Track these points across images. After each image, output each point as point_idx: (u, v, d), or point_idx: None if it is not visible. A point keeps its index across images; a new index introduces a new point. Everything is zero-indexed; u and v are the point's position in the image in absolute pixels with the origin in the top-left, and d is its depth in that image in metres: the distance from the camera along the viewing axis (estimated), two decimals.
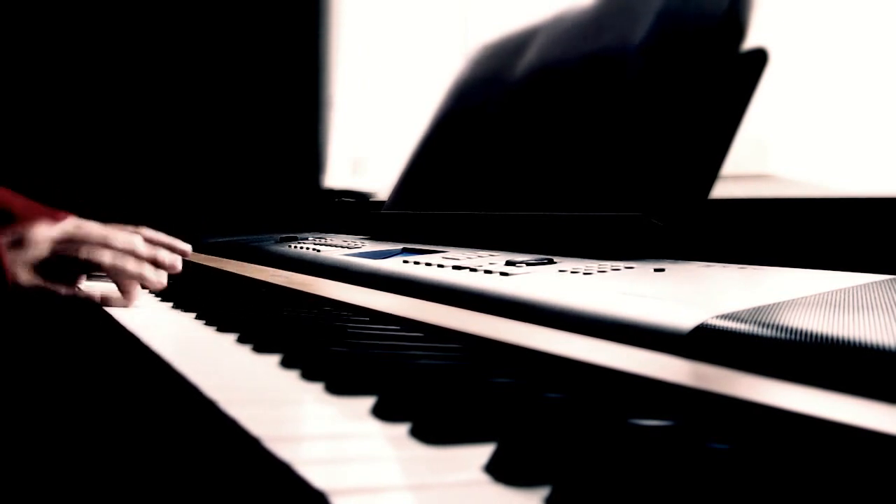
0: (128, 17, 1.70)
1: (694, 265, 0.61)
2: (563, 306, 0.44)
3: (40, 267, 0.64)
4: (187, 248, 0.73)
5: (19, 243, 0.64)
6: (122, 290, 0.67)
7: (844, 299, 0.41)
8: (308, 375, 0.39)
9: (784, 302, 0.40)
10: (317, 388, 0.37)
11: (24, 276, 0.63)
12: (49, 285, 0.63)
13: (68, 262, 0.65)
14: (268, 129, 1.84)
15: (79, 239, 0.66)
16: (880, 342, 0.30)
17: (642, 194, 0.69)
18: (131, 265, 0.66)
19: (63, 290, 0.64)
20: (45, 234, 0.66)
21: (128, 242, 0.68)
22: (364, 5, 1.78)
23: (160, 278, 0.68)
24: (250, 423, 0.29)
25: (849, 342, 0.30)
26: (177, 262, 0.69)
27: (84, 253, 0.65)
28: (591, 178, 0.74)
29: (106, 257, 0.65)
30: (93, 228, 0.67)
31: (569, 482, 0.22)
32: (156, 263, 0.68)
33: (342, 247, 0.89)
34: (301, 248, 0.92)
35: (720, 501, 0.21)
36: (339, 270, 0.73)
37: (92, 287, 0.71)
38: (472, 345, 0.46)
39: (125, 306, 0.67)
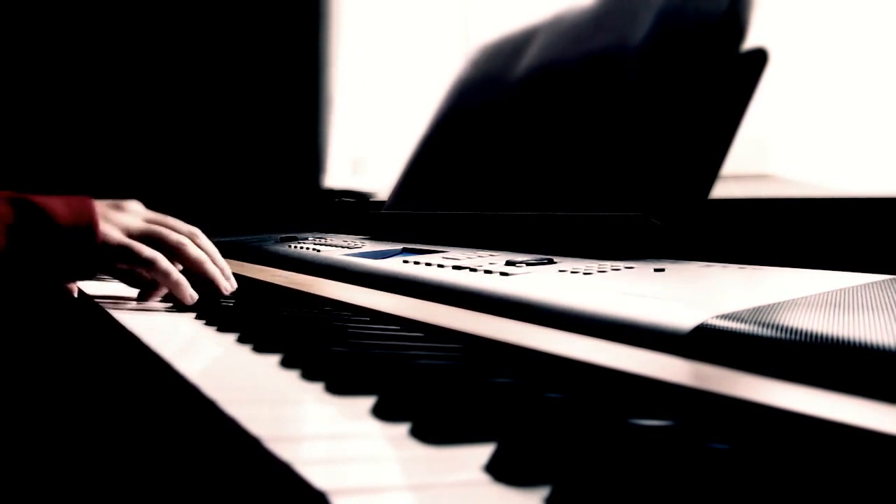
0: (128, 16, 1.70)
1: (694, 265, 0.61)
2: (563, 306, 0.44)
3: (129, 232, 0.66)
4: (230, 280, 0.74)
5: (115, 207, 0.67)
6: (185, 287, 0.67)
7: (844, 299, 0.41)
8: (308, 375, 0.39)
9: (784, 302, 0.40)
10: (317, 388, 0.37)
11: (114, 234, 0.64)
12: (135, 245, 0.65)
13: (156, 240, 0.66)
14: (268, 129, 1.84)
15: (169, 224, 0.69)
16: (880, 342, 0.30)
17: (642, 194, 0.69)
18: (210, 265, 0.69)
19: (146, 252, 0.65)
20: (138, 209, 0.69)
21: (209, 244, 0.71)
22: (364, 5, 1.78)
23: (231, 283, 0.70)
24: (250, 423, 0.29)
25: (849, 342, 0.30)
26: (235, 284, 0.71)
27: (174, 238, 0.67)
28: (591, 178, 0.74)
29: (192, 249, 0.68)
30: (182, 224, 0.70)
31: (569, 482, 0.22)
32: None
33: (342, 247, 0.89)
34: (301, 248, 0.92)
35: (720, 501, 0.21)
36: (339, 270, 0.73)
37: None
38: (472, 345, 0.46)
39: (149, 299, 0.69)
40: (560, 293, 0.47)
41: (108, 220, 0.65)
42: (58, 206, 0.63)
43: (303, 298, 0.70)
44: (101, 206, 0.66)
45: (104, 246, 0.64)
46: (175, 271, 0.66)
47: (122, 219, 0.66)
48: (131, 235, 0.66)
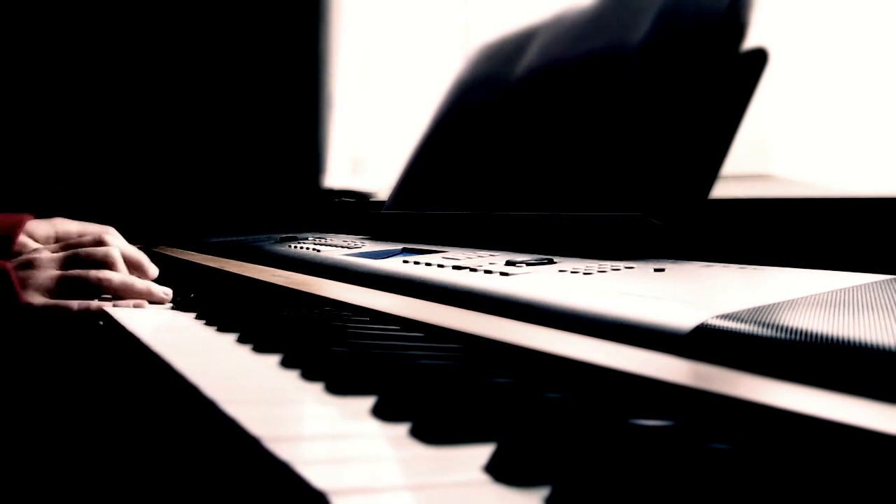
0: (128, 17, 1.70)
1: (694, 265, 0.61)
2: (564, 306, 0.44)
3: (49, 287, 0.66)
4: (154, 271, 0.75)
5: (28, 266, 0.66)
6: (140, 295, 0.69)
7: (844, 299, 0.41)
8: (308, 375, 0.39)
9: (784, 302, 0.40)
10: (317, 388, 0.37)
11: (37, 299, 0.64)
12: (61, 303, 0.65)
13: (78, 283, 0.66)
14: (268, 129, 1.84)
15: (83, 258, 0.68)
16: (880, 342, 0.30)
17: (642, 194, 0.69)
18: (139, 284, 0.69)
19: (75, 307, 0.64)
20: (50, 256, 0.68)
21: (120, 243, 0.71)
22: (364, 5, 1.78)
23: (166, 292, 0.70)
24: (250, 423, 0.29)
25: (849, 342, 0.30)
26: (169, 292, 0.71)
27: (93, 275, 0.66)
28: (591, 177, 0.74)
29: (115, 278, 0.67)
30: (95, 250, 0.69)
31: (569, 482, 0.22)
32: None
33: (342, 247, 0.89)
34: (301, 248, 0.92)
35: (720, 501, 0.21)
36: (339, 270, 0.73)
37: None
38: (472, 345, 0.46)
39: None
40: (560, 293, 0.47)
41: (24, 283, 0.65)
42: None
43: (303, 298, 0.70)
44: (13, 271, 0.65)
45: (30, 311, 0.63)
46: (109, 306, 0.66)
47: (37, 277, 0.65)
48: (52, 290, 0.65)
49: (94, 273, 0.66)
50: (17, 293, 0.63)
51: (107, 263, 0.68)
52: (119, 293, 0.68)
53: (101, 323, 0.64)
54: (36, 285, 0.65)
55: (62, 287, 0.66)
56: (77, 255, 0.68)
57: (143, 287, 0.68)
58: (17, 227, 0.66)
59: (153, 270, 0.74)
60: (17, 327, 0.64)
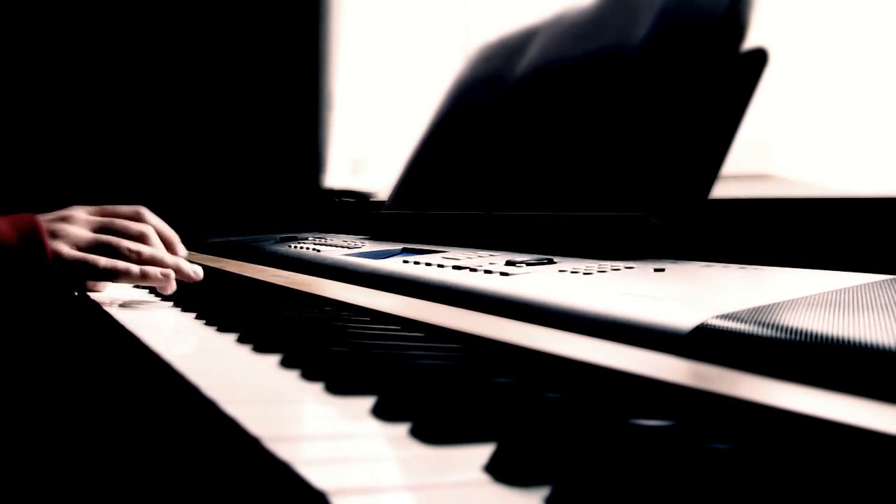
0: (128, 17, 1.70)
1: (694, 265, 0.61)
2: (564, 306, 0.44)
3: (80, 245, 0.65)
4: (184, 250, 0.74)
5: (61, 219, 0.66)
6: (156, 278, 0.68)
7: (844, 299, 0.41)
8: (308, 375, 0.39)
9: (784, 302, 0.40)
10: (317, 388, 0.37)
11: (65, 249, 0.64)
12: (89, 258, 0.64)
13: (109, 250, 0.66)
14: (268, 129, 1.84)
15: (118, 228, 0.68)
16: (880, 342, 0.30)
17: (642, 194, 0.69)
18: (168, 258, 0.68)
19: (102, 263, 0.64)
20: (86, 217, 0.68)
21: (155, 220, 0.71)
22: (364, 5, 1.78)
23: (196, 270, 0.70)
24: (250, 423, 0.29)
25: (849, 342, 0.30)
26: (199, 270, 0.71)
27: (125, 245, 0.66)
28: (592, 177, 0.74)
29: (145, 251, 0.67)
30: (131, 224, 0.69)
31: (569, 482, 0.22)
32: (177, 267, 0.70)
33: (342, 247, 0.89)
34: (301, 248, 0.92)
35: (720, 501, 0.21)
36: (339, 270, 0.73)
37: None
38: (472, 345, 0.46)
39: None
40: (560, 293, 0.47)
41: (56, 235, 0.65)
42: (2, 226, 0.63)
43: (303, 298, 0.70)
44: (46, 222, 0.65)
45: (57, 262, 0.63)
46: (137, 269, 0.65)
47: (70, 231, 0.66)
48: (82, 248, 0.65)
49: (125, 243, 0.66)
50: (45, 244, 0.62)
51: (140, 238, 0.68)
52: (148, 264, 0.67)
53: (78, 295, 0.64)
54: (67, 238, 0.65)
55: (93, 249, 0.65)
56: (113, 224, 0.68)
57: (173, 261, 0.68)
58: (38, 227, 0.65)
59: (182, 251, 0.73)
60: (42, 281, 0.63)
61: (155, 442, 0.51)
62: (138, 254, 0.66)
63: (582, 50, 0.85)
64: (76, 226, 0.66)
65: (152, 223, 0.71)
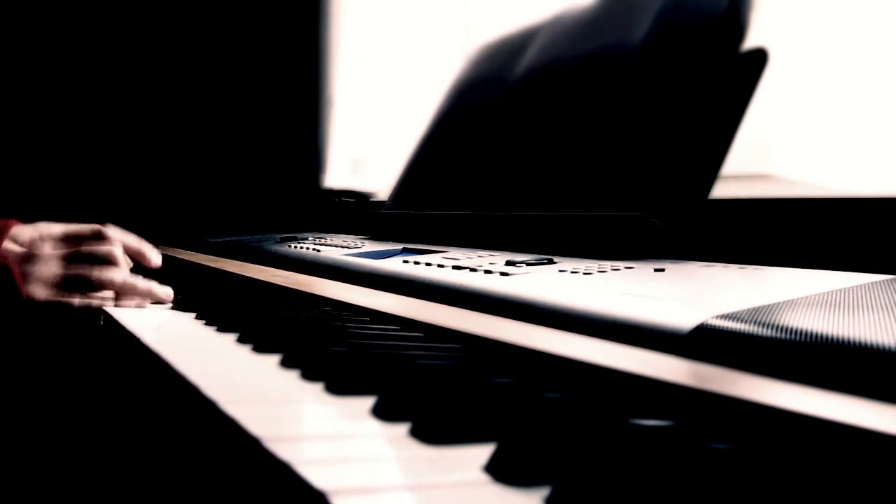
0: (128, 16, 1.70)
1: (694, 265, 0.61)
2: (564, 306, 0.44)
3: (52, 283, 0.66)
4: (157, 259, 0.74)
5: (29, 260, 0.66)
6: (140, 297, 0.69)
7: (844, 299, 0.41)
8: (308, 375, 0.39)
9: (784, 302, 0.40)
10: (317, 388, 0.37)
11: (39, 292, 0.64)
12: (63, 299, 0.65)
13: (80, 282, 0.66)
14: (268, 129, 1.83)
15: (85, 255, 0.68)
16: (880, 342, 0.30)
17: (643, 194, 0.69)
18: (140, 284, 0.68)
19: (76, 303, 0.64)
20: (52, 252, 0.68)
21: (117, 234, 0.70)
22: (364, 5, 1.78)
23: (167, 292, 0.70)
24: (250, 423, 0.29)
25: (849, 342, 0.30)
26: (170, 292, 0.71)
27: (96, 276, 0.66)
28: (592, 177, 0.74)
29: (117, 278, 0.67)
30: (97, 248, 0.69)
31: (569, 482, 0.22)
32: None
33: (342, 247, 0.89)
34: (301, 248, 0.92)
35: (720, 501, 0.21)
36: (339, 270, 0.73)
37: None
38: (472, 345, 0.46)
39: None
40: (560, 293, 0.47)
41: (26, 277, 0.65)
42: None
43: (303, 298, 0.70)
44: (15, 264, 0.65)
45: (31, 305, 0.63)
46: (111, 304, 0.66)
47: (41, 272, 0.65)
48: (55, 285, 0.65)
49: (96, 273, 0.66)
50: (19, 286, 0.63)
51: (108, 261, 0.68)
52: (121, 292, 0.67)
53: (102, 322, 0.64)
54: (38, 279, 0.65)
55: (64, 284, 0.66)
56: (79, 253, 0.68)
57: (145, 287, 0.68)
58: (3, 234, 0.66)
59: (156, 259, 0.74)
60: (17, 321, 0.64)
61: (155, 442, 0.51)
62: (111, 282, 0.67)
63: (582, 50, 0.85)
64: (46, 265, 0.66)
65: (118, 239, 0.71)
